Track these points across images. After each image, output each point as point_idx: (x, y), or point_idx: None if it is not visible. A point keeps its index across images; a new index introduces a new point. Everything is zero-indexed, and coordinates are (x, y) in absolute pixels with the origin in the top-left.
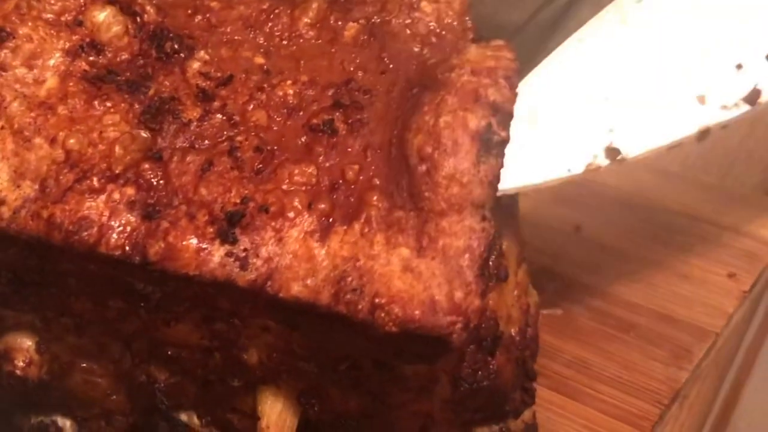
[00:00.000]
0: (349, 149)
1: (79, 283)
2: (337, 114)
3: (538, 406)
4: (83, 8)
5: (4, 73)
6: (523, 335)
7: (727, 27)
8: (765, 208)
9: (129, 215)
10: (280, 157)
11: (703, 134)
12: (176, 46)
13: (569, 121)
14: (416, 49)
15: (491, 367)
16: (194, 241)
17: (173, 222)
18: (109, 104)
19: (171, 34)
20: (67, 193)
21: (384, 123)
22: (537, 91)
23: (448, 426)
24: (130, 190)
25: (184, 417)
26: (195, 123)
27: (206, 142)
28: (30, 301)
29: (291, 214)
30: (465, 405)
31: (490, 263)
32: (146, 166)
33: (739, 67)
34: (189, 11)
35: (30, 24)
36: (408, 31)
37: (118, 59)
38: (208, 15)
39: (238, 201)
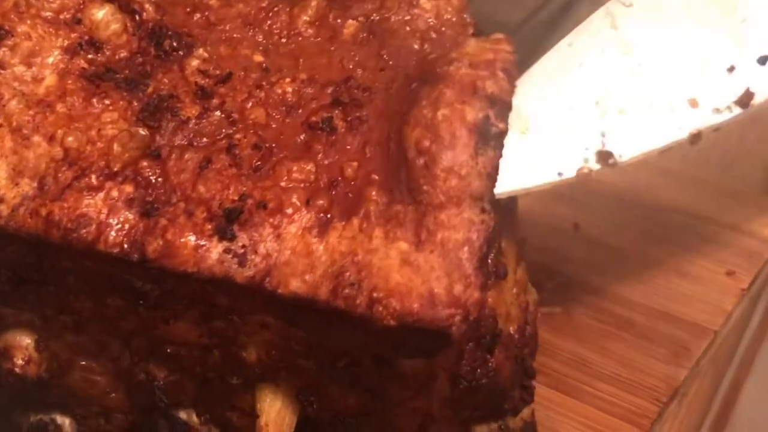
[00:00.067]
0: (348, 147)
1: (77, 280)
2: (336, 112)
3: (538, 404)
4: (82, 6)
5: (2, 71)
6: (522, 333)
7: (719, 30)
8: (764, 207)
9: (127, 213)
10: (278, 154)
11: (695, 138)
12: (175, 44)
13: (560, 126)
14: (416, 46)
15: (490, 365)
16: (192, 238)
17: (171, 219)
18: (107, 102)
19: (170, 32)
20: (65, 190)
21: (383, 119)
22: (527, 97)
23: (447, 424)
24: (128, 188)
25: (183, 415)
26: (194, 121)
27: (205, 139)
28: (29, 299)
29: (289, 211)
30: (464, 403)
31: (490, 257)
32: (145, 163)
33: (731, 69)
34: (188, 9)
35: (29, 22)
36: (407, 28)
37: (117, 57)
38: (207, 13)
39: (236, 198)
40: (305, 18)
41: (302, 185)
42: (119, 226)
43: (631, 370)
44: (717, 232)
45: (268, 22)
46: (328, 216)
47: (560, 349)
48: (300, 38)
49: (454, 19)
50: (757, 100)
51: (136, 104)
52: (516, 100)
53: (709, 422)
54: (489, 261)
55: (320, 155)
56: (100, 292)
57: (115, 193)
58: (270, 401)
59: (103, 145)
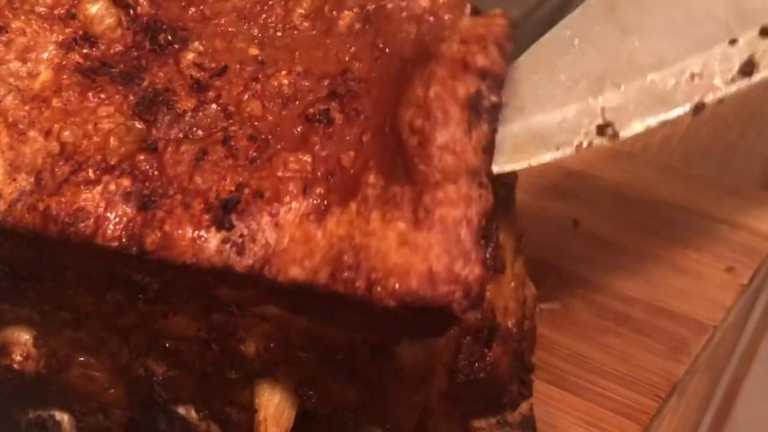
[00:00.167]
0: (347, 138)
1: (76, 276)
2: (333, 104)
3: (536, 399)
4: (76, 1)
5: None
6: (520, 327)
7: (719, 3)
8: (764, 203)
9: (125, 206)
10: (275, 146)
11: (699, 109)
12: (170, 38)
13: (558, 104)
14: (412, 31)
15: (488, 358)
16: (190, 229)
17: (169, 211)
18: (103, 96)
19: (164, 26)
20: (62, 185)
21: (380, 107)
22: (524, 77)
23: (446, 418)
24: (125, 181)
25: (182, 410)
26: (189, 113)
27: (200, 132)
28: (27, 295)
29: (286, 199)
30: (462, 397)
31: (493, 231)
32: (141, 157)
33: (733, 42)
34: (182, 3)
35: (23, 18)
36: (403, 14)
37: (112, 51)
38: (201, 7)
39: (233, 188)
40: (300, 11)
41: (299, 175)
42: (117, 219)
43: (630, 366)
44: (716, 227)
45: (263, 15)
46: (326, 202)
47: (559, 345)
48: (295, 31)
49: (450, 1)
50: (760, 70)
51: (131, 98)
52: (512, 81)
53: (709, 418)
54: (490, 234)
55: (317, 147)
56: (99, 286)
57: (112, 187)
58: (268, 396)
59: (99, 140)
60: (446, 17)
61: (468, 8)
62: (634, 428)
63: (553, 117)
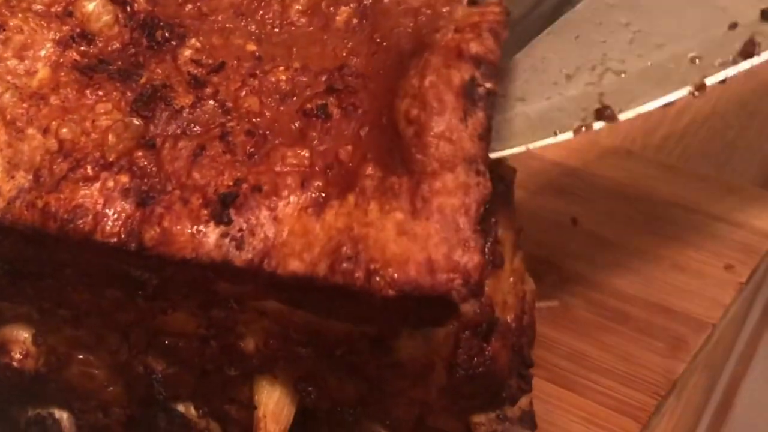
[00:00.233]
0: (345, 132)
1: (75, 273)
2: (331, 99)
3: (536, 397)
4: None
5: None
6: (519, 322)
7: None
8: (762, 201)
9: (123, 202)
10: (272, 141)
11: (699, 89)
12: (167, 35)
13: (557, 92)
14: (410, 24)
15: (486, 353)
16: (189, 224)
17: (167, 207)
18: (101, 93)
19: (162, 23)
20: (61, 182)
21: (378, 100)
22: (523, 69)
23: (445, 413)
24: (123, 178)
25: (181, 408)
26: (187, 110)
27: (198, 128)
28: (26, 292)
29: (285, 193)
30: (461, 392)
31: (491, 225)
32: (139, 153)
33: (733, 26)
34: (179, 0)
35: (20, 16)
36: (400, 7)
37: (109, 48)
38: (198, 4)
39: (230, 183)
40: (297, 7)
41: (297, 170)
42: (116, 216)
43: (629, 364)
44: (715, 225)
45: (261, 12)
46: (324, 195)
47: (558, 343)
48: (293, 27)
49: None
50: (760, 51)
51: (129, 95)
52: (512, 74)
53: (709, 415)
54: (488, 222)
55: (315, 141)
56: (98, 283)
57: (110, 184)
58: (268, 392)
59: (97, 136)
60: (444, 10)
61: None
62: (633, 426)
63: (552, 104)
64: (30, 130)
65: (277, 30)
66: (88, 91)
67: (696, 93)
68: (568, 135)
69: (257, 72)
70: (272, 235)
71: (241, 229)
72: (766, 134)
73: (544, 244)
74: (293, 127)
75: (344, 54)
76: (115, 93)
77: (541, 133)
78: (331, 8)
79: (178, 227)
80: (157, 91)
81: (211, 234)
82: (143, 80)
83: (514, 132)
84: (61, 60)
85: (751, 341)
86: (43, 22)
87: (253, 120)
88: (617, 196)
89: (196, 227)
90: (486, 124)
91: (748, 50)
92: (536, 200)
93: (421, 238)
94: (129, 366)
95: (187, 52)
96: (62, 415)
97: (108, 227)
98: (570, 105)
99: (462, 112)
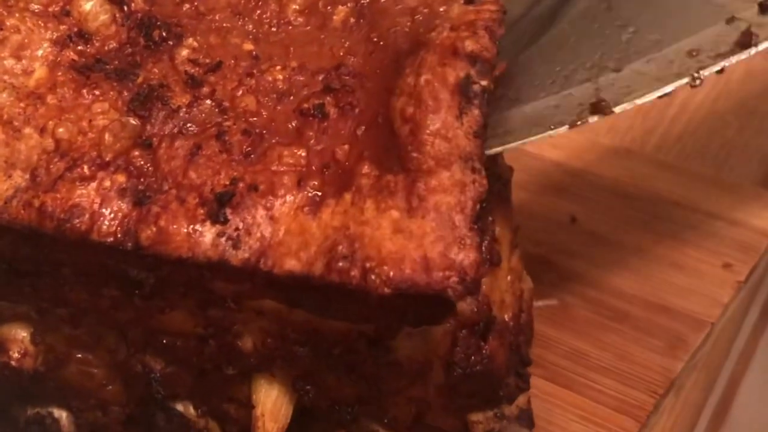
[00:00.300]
0: (341, 131)
1: (72, 272)
2: (328, 98)
3: (534, 396)
4: None
5: None
6: (516, 320)
7: None
8: (761, 200)
9: (120, 202)
10: (269, 140)
11: (696, 79)
12: (164, 34)
13: (554, 91)
14: (407, 24)
15: (484, 351)
16: (185, 223)
17: (164, 206)
18: (97, 92)
19: (159, 22)
20: (57, 181)
21: (374, 100)
22: (522, 71)
23: (443, 412)
24: (120, 177)
25: (180, 407)
26: (184, 109)
27: (195, 127)
28: (24, 292)
29: (281, 192)
30: (459, 390)
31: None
32: (136, 152)
33: (730, 21)
34: (176, 0)
35: (17, 15)
36: (397, 7)
37: (106, 48)
38: (196, 3)
39: (227, 182)
40: (295, 7)
41: (294, 169)
42: (112, 215)
43: (628, 363)
44: (714, 224)
45: (258, 11)
46: (320, 194)
47: (557, 342)
48: (290, 27)
49: None
50: (758, 42)
51: (126, 94)
52: (510, 77)
53: (707, 414)
54: (484, 219)
55: (312, 141)
56: (95, 282)
57: (107, 183)
58: (266, 391)
59: (94, 136)
60: (441, 9)
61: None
62: (632, 425)
63: (548, 101)
64: (27, 130)
65: (274, 29)
66: (84, 91)
67: (695, 82)
68: (564, 128)
69: (254, 71)
70: (268, 235)
71: (237, 229)
72: (764, 133)
73: (543, 243)
74: (290, 126)
75: (341, 53)
76: (112, 92)
77: (537, 129)
78: (329, 8)
79: (175, 226)
80: (153, 90)
81: (208, 233)
82: (140, 80)
83: (510, 129)
84: (58, 59)
85: (750, 340)
86: (40, 22)
87: (250, 119)
88: (616, 195)
89: (192, 226)
90: (481, 121)
91: (745, 41)
92: (535, 199)
93: (417, 236)
94: (127, 365)
95: (184, 52)
96: (61, 414)
97: (104, 227)
98: (566, 101)
99: (457, 109)
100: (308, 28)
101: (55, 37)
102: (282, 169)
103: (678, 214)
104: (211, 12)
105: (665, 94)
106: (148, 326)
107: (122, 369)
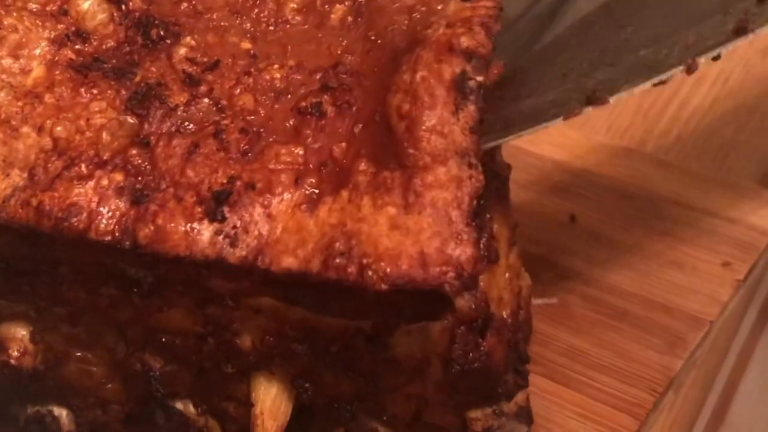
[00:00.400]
0: (339, 129)
1: (70, 270)
2: (326, 97)
3: (533, 394)
4: None
5: None
6: (515, 318)
7: None
8: (760, 198)
9: (118, 200)
10: (267, 138)
11: (691, 66)
12: (162, 33)
13: (551, 88)
14: (404, 22)
15: (482, 348)
16: (183, 222)
17: (161, 205)
18: (95, 91)
19: (156, 21)
20: (55, 180)
21: (372, 98)
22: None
23: (442, 409)
24: (118, 176)
25: (179, 405)
26: (182, 108)
27: (192, 126)
28: (23, 290)
29: (278, 190)
30: (457, 387)
31: (486, 221)
32: (134, 151)
33: (727, 11)
34: None
35: (15, 14)
36: (395, 5)
37: (104, 47)
38: (194, 2)
39: (224, 181)
40: (292, 5)
41: (291, 167)
42: (110, 214)
43: (627, 361)
44: (713, 223)
45: (256, 10)
46: (318, 192)
47: (556, 340)
48: (288, 26)
49: None
50: (753, 28)
51: (124, 93)
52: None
53: (706, 413)
54: (481, 215)
55: (309, 139)
56: (94, 281)
57: (105, 182)
58: (265, 389)
59: (92, 135)
60: (438, 7)
61: None
62: (631, 423)
63: (545, 98)
64: (25, 129)
65: (272, 28)
66: (82, 90)
67: (691, 70)
68: (559, 120)
69: (252, 70)
70: (266, 232)
71: (234, 227)
72: (764, 132)
73: (542, 241)
74: (287, 124)
75: (339, 52)
76: (109, 91)
77: (533, 122)
78: (326, 6)
79: (172, 225)
80: (151, 89)
81: (205, 231)
82: (138, 78)
83: (506, 125)
84: (56, 58)
85: (749, 338)
86: (38, 21)
87: (248, 118)
88: (615, 194)
89: (190, 225)
90: (477, 117)
91: (741, 27)
92: (534, 197)
93: (414, 232)
94: (126, 363)
95: (182, 51)
96: (61, 413)
97: (102, 225)
98: (561, 96)
99: (453, 105)
100: (306, 26)
101: (52, 36)
102: (279, 167)
103: (677, 212)
104: (209, 11)
105: (661, 82)
106: (147, 325)
107: (121, 367)
